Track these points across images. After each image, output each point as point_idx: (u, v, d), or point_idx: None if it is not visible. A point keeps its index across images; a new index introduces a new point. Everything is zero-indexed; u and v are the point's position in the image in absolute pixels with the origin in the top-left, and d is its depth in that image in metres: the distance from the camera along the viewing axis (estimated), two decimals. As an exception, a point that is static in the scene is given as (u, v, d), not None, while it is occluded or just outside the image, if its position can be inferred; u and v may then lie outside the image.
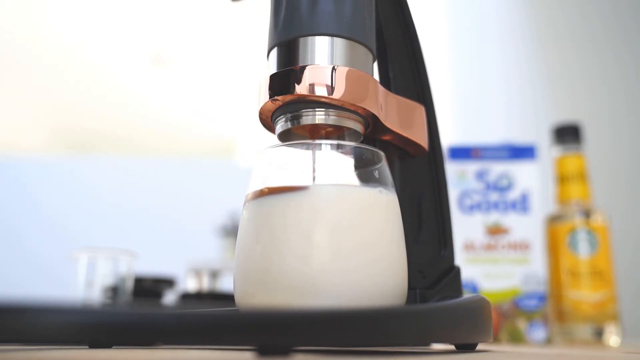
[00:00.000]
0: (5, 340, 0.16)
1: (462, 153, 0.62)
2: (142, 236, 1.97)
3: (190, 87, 3.02)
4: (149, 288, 0.73)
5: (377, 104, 0.30)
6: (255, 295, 0.26)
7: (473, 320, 0.28)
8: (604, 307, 0.56)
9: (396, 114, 0.32)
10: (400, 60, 0.34)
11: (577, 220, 0.58)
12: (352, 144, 0.29)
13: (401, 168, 0.34)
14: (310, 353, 0.22)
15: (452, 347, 0.30)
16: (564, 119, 0.66)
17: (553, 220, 0.60)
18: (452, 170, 0.62)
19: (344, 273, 0.25)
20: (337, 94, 0.28)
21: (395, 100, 0.32)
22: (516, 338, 0.57)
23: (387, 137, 0.32)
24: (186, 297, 0.73)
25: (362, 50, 0.30)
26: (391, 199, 0.28)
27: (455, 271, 0.34)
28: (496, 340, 0.57)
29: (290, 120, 0.30)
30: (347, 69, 0.29)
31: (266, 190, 0.27)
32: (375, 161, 0.29)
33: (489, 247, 0.60)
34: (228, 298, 0.70)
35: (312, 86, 0.28)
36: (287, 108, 0.30)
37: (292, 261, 0.25)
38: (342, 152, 0.29)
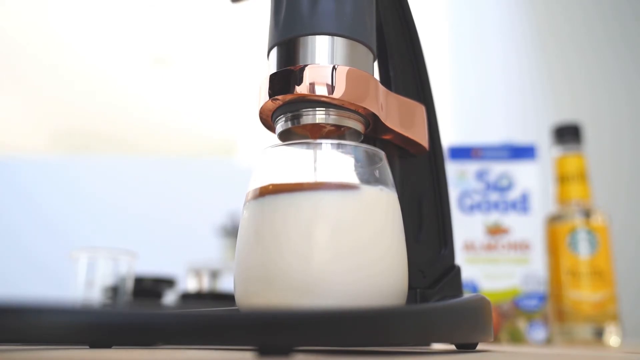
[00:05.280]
0: (5, 340, 0.16)
1: (462, 153, 0.62)
2: (142, 236, 1.96)
3: (190, 88, 3.02)
4: (149, 288, 0.73)
5: (377, 104, 0.30)
6: (256, 295, 0.26)
7: (473, 320, 0.28)
8: (604, 307, 0.56)
9: (397, 113, 0.32)
10: (400, 59, 0.34)
11: (577, 220, 0.58)
12: (353, 143, 0.29)
13: (402, 167, 0.34)
14: (310, 353, 0.22)
15: (452, 346, 0.30)
16: (564, 119, 0.66)
17: (553, 220, 0.60)
18: (452, 170, 0.61)
19: (344, 272, 0.25)
20: (337, 94, 0.28)
21: (395, 99, 0.32)
22: (516, 338, 0.57)
23: (387, 137, 0.32)
24: (186, 297, 0.73)
25: (362, 49, 0.30)
26: (392, 198, 0.28)
27: (456, 271, 0.34)
28: (496, 340, 0.57)
29: (290, 120, 0.30)
30: (347, 68, 0.29)
31: (270, 187, 0.27)
32: (375, 160, 0.28)
33: (489, 247, 0.60)
34: (228, 298, 0.70)
35: (312, 85, 0.28)
36: (288, 107, 0.29)
37: (292, 260, 0.25)
38: (342, 152, 0.29)
